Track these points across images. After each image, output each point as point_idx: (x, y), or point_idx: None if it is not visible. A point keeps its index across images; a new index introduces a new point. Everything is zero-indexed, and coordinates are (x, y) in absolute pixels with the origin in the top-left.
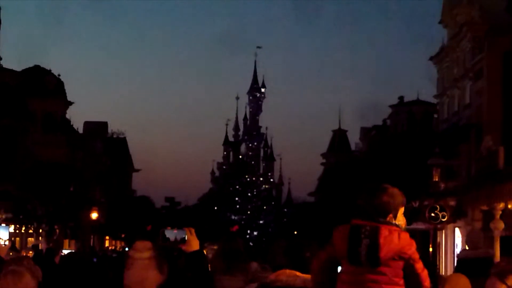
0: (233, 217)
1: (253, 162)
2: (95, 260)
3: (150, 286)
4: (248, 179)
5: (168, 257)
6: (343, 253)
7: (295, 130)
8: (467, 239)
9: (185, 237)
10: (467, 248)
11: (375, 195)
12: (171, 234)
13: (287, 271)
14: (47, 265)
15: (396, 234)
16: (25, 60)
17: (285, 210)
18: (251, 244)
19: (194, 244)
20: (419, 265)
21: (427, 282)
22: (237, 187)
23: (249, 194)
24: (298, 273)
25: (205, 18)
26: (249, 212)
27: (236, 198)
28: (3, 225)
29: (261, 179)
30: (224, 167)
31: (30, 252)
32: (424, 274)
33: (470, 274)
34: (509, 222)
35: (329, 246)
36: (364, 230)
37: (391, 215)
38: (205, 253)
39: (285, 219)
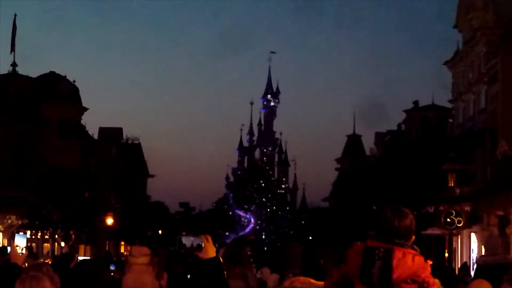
0: (245, 220)
1: (267, 167)
2: (112, 266)
3: None
4: (263, 184)
5: (183, 263)
6: (356, 273)
7: (310, 135)
8: (485, 245)
9: (201, 244)
10: (484, 254)
11: (398, 216)
12: (187, 240)
13: (301, 278)
14: (62, 271)
15: (410, 257)
16: (40, 66)
17: (300, 215)
18: (265, 249)
19: (211, 251)
20: None
21: None
22: (252, 192)
23: (263, 199)
24: (312, 281)
25: (219, 23)
26: (263, 217)
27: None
28: (21, 233)
29: (276, 184)
30: (239, 172)
31: (48, 260)
32: None
33: (490, 281)
34: None
35: (342, 265)
36: (378, 251)
37: (413, 238)
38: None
39: (300, 225)
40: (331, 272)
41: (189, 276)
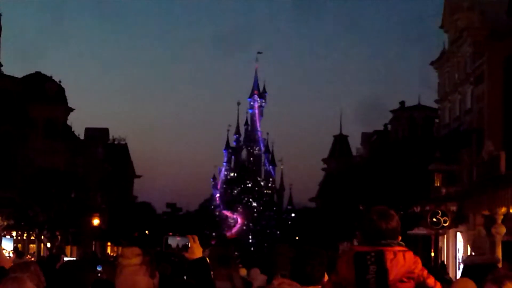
0: (232, 220)
1: (254, 168)
2: (99, 267)
3: None
4: (249, 185)
5: (170, 263)
6: (351, 282)
7: (296, 136)
8: (473, 245)
9: (187, 244)
10: (473, 254)
11: (384, 219)
12: (173, 241)
13: (287, 280)
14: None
15: (401, 255)
16: (26, 66)
17: (287, 215)
18: (252, 249)
19: (197, 252)
20: (431, 280)
21: None
22: (239, 192)
23: (250, 200)
24: (298, 285)
25: (205, 25)
26: (250, 218)
27: (238, 205)
28: (8, 236)
29: (262, 184)
30: (225, 172)
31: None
32: (438, 287)
33: (477, 280)
34: (510, 226)
35: (333, 275)
36: (370, 256)
37: (399, 239)
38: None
39: (286, 225)
40: (321, 279)
41: (176, 277)
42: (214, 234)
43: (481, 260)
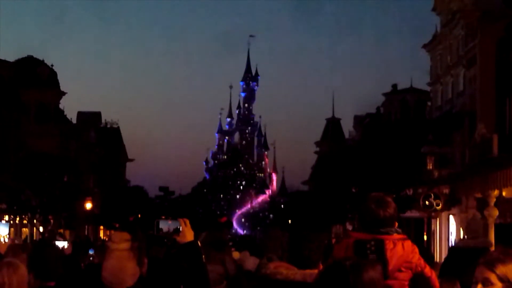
0: (224, 203)
1: (247, 151)
2: (91, 251)
3: (127, 278)
4: (242, 168)
5: (162, 247)
6: None
7: (289, 119)
8: (467, 227)
9: (179, 228)
10: (465, 237)
11: (382, 206)
12: (164, 224)
13: (285, 263)
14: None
15: (400, 245)
16: (19, 51)
17: (279, 198)
18: (245, 232)
19: (189, 235)
20: (427, 269)
21: (437, 283)
22: (231, 175)
23: (243, 183)
24: (295, 268)
25: (200, 10)
26: (242, 201)
27: (230, 188)
28: (3, 221)
29: (255, 167)
30: (218, 155)
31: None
32: (434, 276)
33: (468, 264)
34: (503, 209)
35: (330, 259)
36: (370, 245)
37: (396, 225)
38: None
39: (279, 208)
40: (318, 262)
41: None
42: (206, 217)
43: (474, 244)
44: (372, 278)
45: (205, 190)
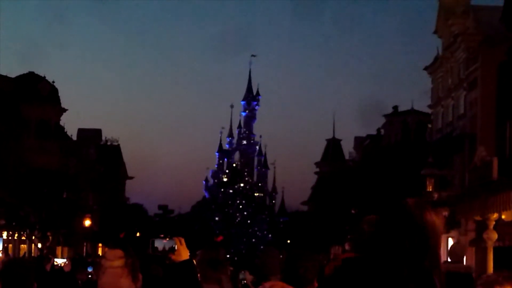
0: (223, 223)
1: (246, 170)
2: (90, 268)
3: None
4: (242, 187)
5: (161, 266)
6: None
7: (289, 139)
8: (451, 251)
9: (174, 247)
10: (449, 260)
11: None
12: (160, 243)
13: (280, 283)
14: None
15: None
16: (20, 66)
17: (279, 218)
18: (243, 252)
19: (184, 254)
20: None
21: None
22: (231, 194)
23: (243, 202)
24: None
25: (200, 28)
26: (242, 220)
27: (229, 207)
28: None
29: (255, 187)
30: (218, 175)
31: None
32: None
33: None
34: (502, 232)
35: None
36: None
37: None
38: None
39: (278, 228)
40: (313, 281)
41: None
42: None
43: (457, 269)
44: (434, 221)
45: (204, 209)
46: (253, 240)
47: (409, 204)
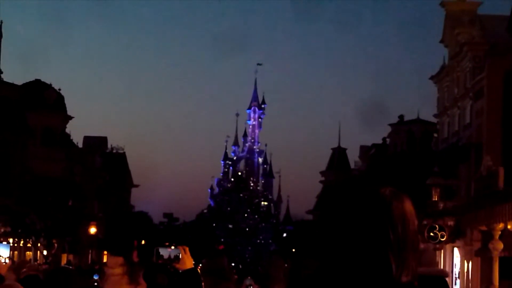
0: (228, 231)
1: (252, 179)
2: (96, 276)
3: None
4: (247, 196)
5: (166, 274)
6: None
7: (295, 147)
8: (421, 258)
9: (178, 255)
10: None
11: None
12: (164, 252)
13: None
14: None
15: None
16: (26, 73)
17: (284, 227)
18: (248, 260)
19: (188, 263)
20: None
21: None
22: (236, 202)
23: (248, 210)
24: None
25: (206, 35)
26: (247, 229)
27: (234, 215)
28: (4, 242)
29: (260, 196)
30: (223, 183)
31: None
32: None
33: None
34: (508, 242)
35: None
36: None
37: None
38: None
39: (283, 237)
40: None
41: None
42: (204, 244)
43: (429, 272)
44: (412, 210)
45: (209, 218)
46: (258, 248)
47: (386, 194)
